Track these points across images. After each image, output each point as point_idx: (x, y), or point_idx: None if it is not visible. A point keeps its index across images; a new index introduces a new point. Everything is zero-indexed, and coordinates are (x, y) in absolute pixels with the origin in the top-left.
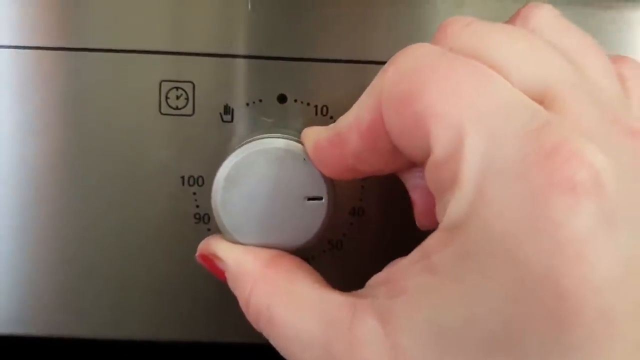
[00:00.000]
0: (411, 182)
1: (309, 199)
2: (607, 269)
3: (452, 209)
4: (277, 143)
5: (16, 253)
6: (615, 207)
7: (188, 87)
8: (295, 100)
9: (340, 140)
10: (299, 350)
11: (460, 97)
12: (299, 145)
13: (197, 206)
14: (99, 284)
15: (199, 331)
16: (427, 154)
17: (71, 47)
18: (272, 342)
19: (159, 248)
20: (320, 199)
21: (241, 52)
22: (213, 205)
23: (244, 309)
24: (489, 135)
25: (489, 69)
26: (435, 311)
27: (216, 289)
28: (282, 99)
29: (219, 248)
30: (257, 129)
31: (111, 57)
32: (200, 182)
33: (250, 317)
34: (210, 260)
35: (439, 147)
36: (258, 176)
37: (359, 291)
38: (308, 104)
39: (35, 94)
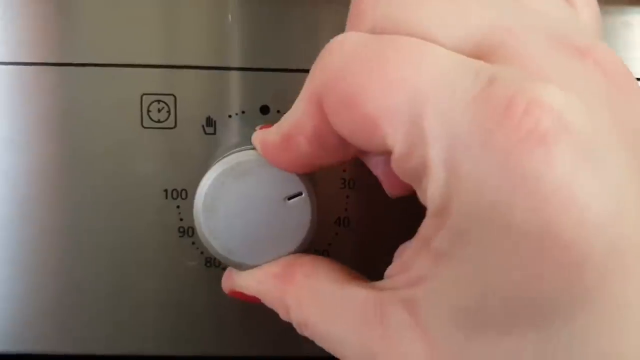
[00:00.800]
0: (371, 161)
1: (289, 198)
2: (600, 204)
3: (432, 195)
4: (238, 157)
5: (2, 269)
6: (589, 140)
7: (170, 100)
8: (278, 111)
9: (287, 144)
10: (340, 350)
11: (401, 85)
12: None
13: (181, 219)
14: (85, 299)
15: (185, 345)
16: (387, 149)
17: (52, 62)
18: (320, 346)
19: (144, 262)
20: (300, 194)
21: (223, 64)
22: (201, 237)
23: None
24: (441, 112)
25: (418, 41)
26: (450, 294)
27: (202, 303)
28: (264, 110)
29: (238, 284)
30: (240, 141)
31: (92, 71)
32: (184, 195)
33: (299, 331)
34: (240, 294)
35: (399, 143)
36: (233, 195)
37: (379, 283)
38: None
39: (17, 109)
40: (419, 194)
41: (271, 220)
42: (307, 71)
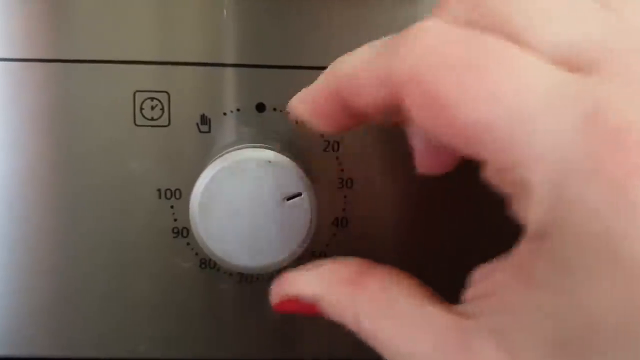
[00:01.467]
0: (412, 129)
1: (289, 198)
2: None
3: (534, 218)
4: (236, 156)
5: None
6: None
7: (163, 97)
8: (274, 109)
9: (343, 104)
10: None
11: (499, 100)
12: (260, 150)
13: (175, 220)
14: (78, 301)
15: (179, 348)
16: (476, 158)
17: (44, 59)
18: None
19: (138, 263)
20: (299, 195)
21: (218, 60)
22: (197, 238)
23: (356, 332)
24: (546, 133)
25: (518, 53)
26: (551, 325)
27: (197, 305)
28: (260, 107)
29: (297, 287)
30: (236, 139)
31: (84, 67)
32: (178, 195)
33: (366, 341)
34: (294, 302)
35: (498, 158)
36: (230, 195)
37: (460, 307)
38: (287, 113)
39: (7, 106)
40: (514, 206)
41: (269, 221)
42: (304, 68)
